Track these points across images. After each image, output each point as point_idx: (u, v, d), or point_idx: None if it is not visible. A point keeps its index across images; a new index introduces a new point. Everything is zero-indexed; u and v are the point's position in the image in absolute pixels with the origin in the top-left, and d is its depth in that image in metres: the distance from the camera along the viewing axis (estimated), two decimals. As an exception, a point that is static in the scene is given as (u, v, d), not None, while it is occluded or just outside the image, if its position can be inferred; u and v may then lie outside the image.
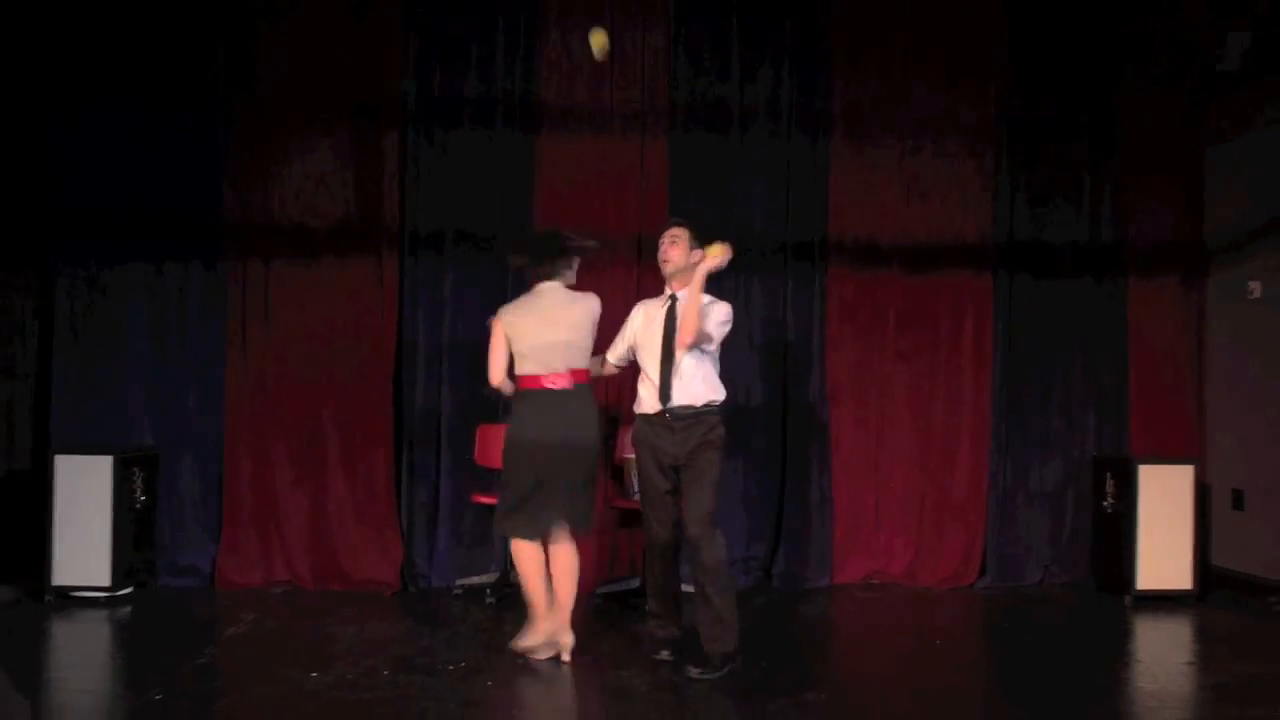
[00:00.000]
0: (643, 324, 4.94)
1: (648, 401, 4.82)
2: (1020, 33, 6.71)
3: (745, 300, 6.58)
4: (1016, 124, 6.74)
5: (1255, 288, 6.43)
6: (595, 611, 5.92)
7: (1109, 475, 6.50)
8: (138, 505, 6.16)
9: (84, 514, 5.92)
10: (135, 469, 6.15)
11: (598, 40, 5.00)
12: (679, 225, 4.93)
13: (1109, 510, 6.46)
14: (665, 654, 4.85)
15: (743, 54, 6.61)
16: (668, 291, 4.92)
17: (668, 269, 4.89)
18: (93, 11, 6.33)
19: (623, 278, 6.44)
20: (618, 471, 6.37)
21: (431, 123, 6.49)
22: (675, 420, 4.73)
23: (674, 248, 4.86)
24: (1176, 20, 6.69)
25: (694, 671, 4.62)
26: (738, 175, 6.62)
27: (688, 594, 4.98)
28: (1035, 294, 6.79)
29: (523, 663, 4.80)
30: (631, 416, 6.02)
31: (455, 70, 6.50)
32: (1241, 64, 6.37)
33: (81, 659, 5.11)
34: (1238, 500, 6.54)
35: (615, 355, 5.11)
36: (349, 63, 6.40)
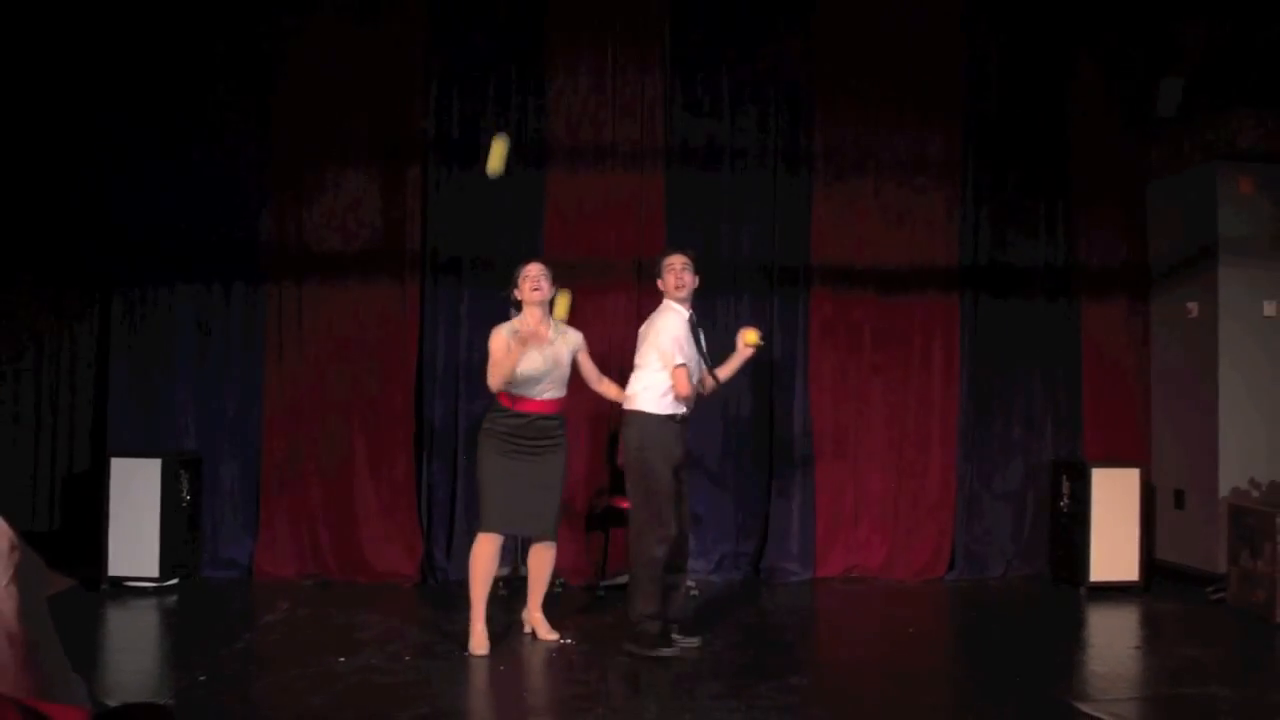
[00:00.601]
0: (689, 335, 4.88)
1: (673, 404, 4.77)
2: (979, 82, 6.75)
3: (735, 318, 6.60)
4: (980, 160, 6.78)
5: (1193, 308, 6.46)
6: (598, 603, 5.93)
7: (1064, 477, 6.52)
8: (184, 503, 6.19)
9: (136, 511, 5.93)
10: (182, 470, 6.17)
11: (495, 156, 4.89)
12: (683, 254, 4.94)
13: (1064, 509, 6.48)
14: (694, 640, 4.90)
15: (732, 97, 6.65)
16: (686, 310, 4.87)
17: (684, 293, 4.87)
18: (154, 56, 6.38)
19: (623, 299, 6.48)
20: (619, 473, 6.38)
21: (450, 158, 6.52)
22: (683, 424, 4.86)
23: (688, 274, 4.87)
24: (1120, 69, 6.75)
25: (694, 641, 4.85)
26: (728, 206, 6.65)
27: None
28: (997, 313, 6.81)
29: (530, 649, 4.83)
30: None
31: (472, 111, 6.53)
32: (1177, 110, 6.44)
33: (133, 642, 5.15)
34: (1179, 499, 6.56)
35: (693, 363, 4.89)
36: (377, 105, 6.45)
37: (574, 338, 4.96)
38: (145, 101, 6.40)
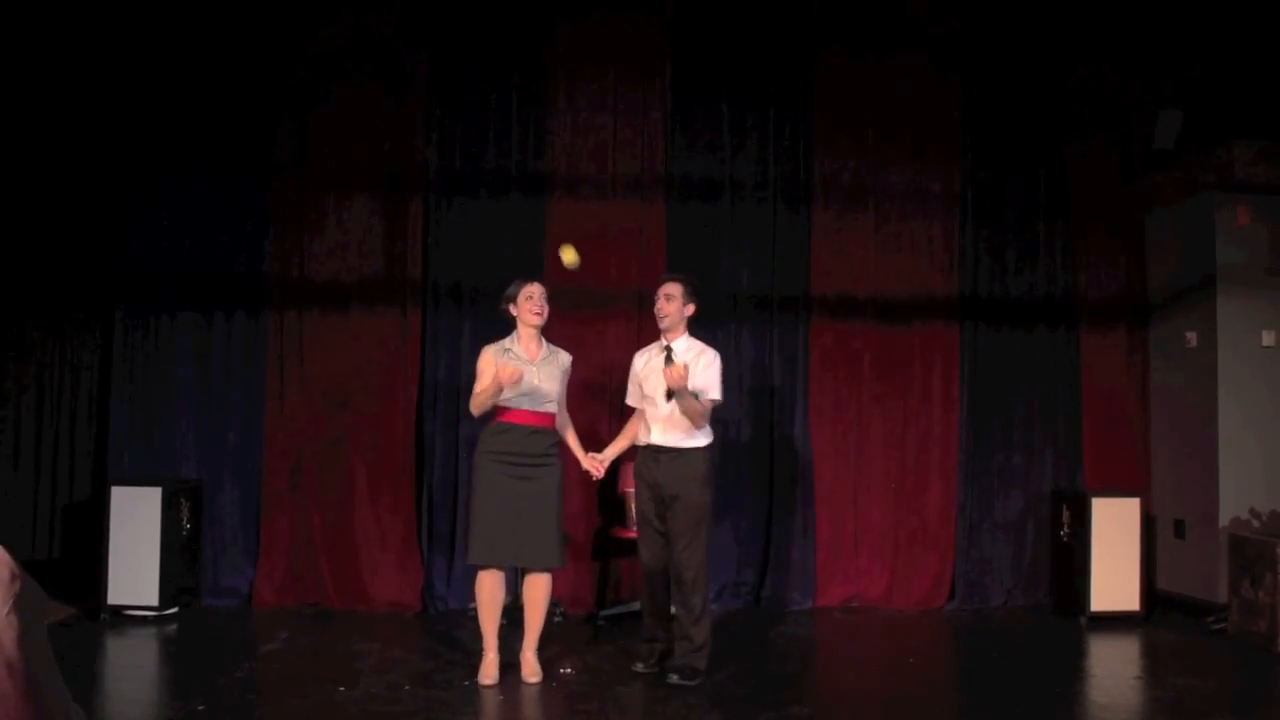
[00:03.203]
0: (645, 371, 4.97)
1: (644, 436, 4.89)
2: (978, 115, 6.79)
3: (736, 348, 6.63)
4: (979, 192, 6.81)
5: (1192, 338, 6.47)
6: (598, 632, 5.91)
7: (1064, 507, 6.50)
8: (184, 532, 6.18)
9: (136, 540, 5.92)
10: (182, 499, 6.16)
11: (568, 256, 4.84)
12: (674, 282, 4.97)
13: (1065, 539, 6.47)
14: (640, 665, 4.95)
15: (732, 131, 6.69)
16: (663, 341, 4.97)
17: (664, 323, 4.94)
18: (157, 90, 6.44)
19: (624, 327, 6.50)
20: (619, 502, 6.38)
21: (452, 190, 6.56)
22: (662, 454, 4.80)
23: (669, 304, 4.91)
24: (1119, 100, 6.80)
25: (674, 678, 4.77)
26: (728, 237, 6.68)
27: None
28: (997, 343, 6.82)
29: (533, 681, 4.78)
30: (630, 452, 6.11)
31: (473, 143, 6.57)
32: (1175, 140, 6.48)
33: (133, 671, 5.14)
34: (1179, 529, 6.54)
35: (637, 399, 5.02)
36: (380, 139, 6.50)
37: (564, 359, 4.96)
38: (148, 134, 6.45)
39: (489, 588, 4.75)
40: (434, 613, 6.29)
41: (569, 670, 4.97)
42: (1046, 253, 6.90)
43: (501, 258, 6.45)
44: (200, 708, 4.24)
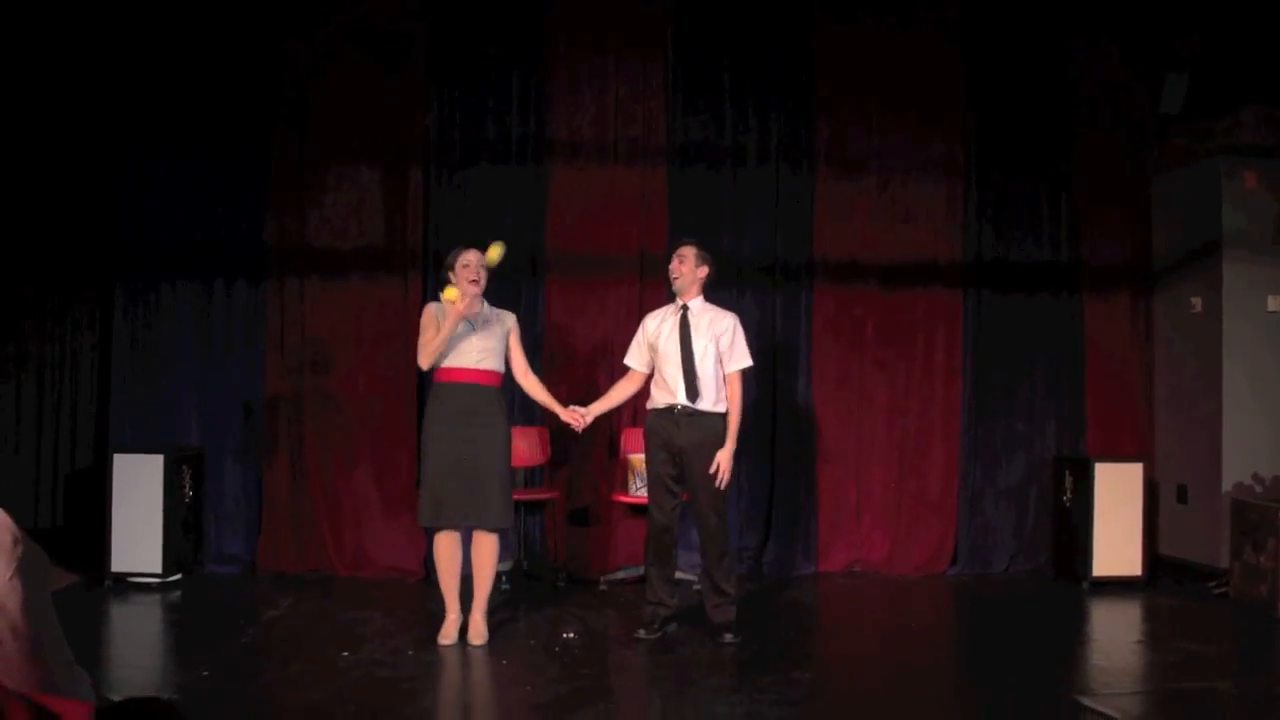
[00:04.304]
0: (657, 331, 4.99)
1: (661, 398, 4.89)
2: (980, 80, 6.71)
3: (738, 313, 6.58)
4: (983, 159, 6.76)
5: (1196, 303, 6.45)
6: (601, 596, 5.94)
7: (1067, 473, 6.51)
8: (186, 499, 6.20)
9: (139, 507, 5.93)
10: (184, 467, 6.17)
11: (492, 253, 4.83)
12: (688, 244, 5.02)
13: (1067, 504, 6.48)
14: (642, 633, 4.96)
15: (734, 98, 6.62)
16: (679, 301, 4.99)
17: (677, 284, 4.97)
18: (156, 61, 6.39)
19: (627, 293, 6.49)
20: (620, 468, 6.39)
21: (453, 159, 6.52)
22: (681, 416, 4.82)
23: (682, 264, 4.95)
24: (1124, 65, 6.73)
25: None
26: (731, 203, 6.64)
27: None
28: (1001, 310, 6.79)
29: (535, 643, 4.83)
30: (629, 418, 6.15)
31: (474, 112, 6.53)
32: (1180, 106, 6.42)
33: (137, 638, 5.16)
34: (1181, 495, 6.55)
35: (640, 361, 5.06)
36: (380, 108, 6.44)
37: (507, 319, 4.95)
38: (148, 103, 6.40)
39: (445, 549, 4.83)
40: (435, 578, 6.30)
41: (571, 635, 4.99)
42: (1050, 218, 6.85)
43: (503, 226, 6.41)
44: (205, 673, 4.27)
